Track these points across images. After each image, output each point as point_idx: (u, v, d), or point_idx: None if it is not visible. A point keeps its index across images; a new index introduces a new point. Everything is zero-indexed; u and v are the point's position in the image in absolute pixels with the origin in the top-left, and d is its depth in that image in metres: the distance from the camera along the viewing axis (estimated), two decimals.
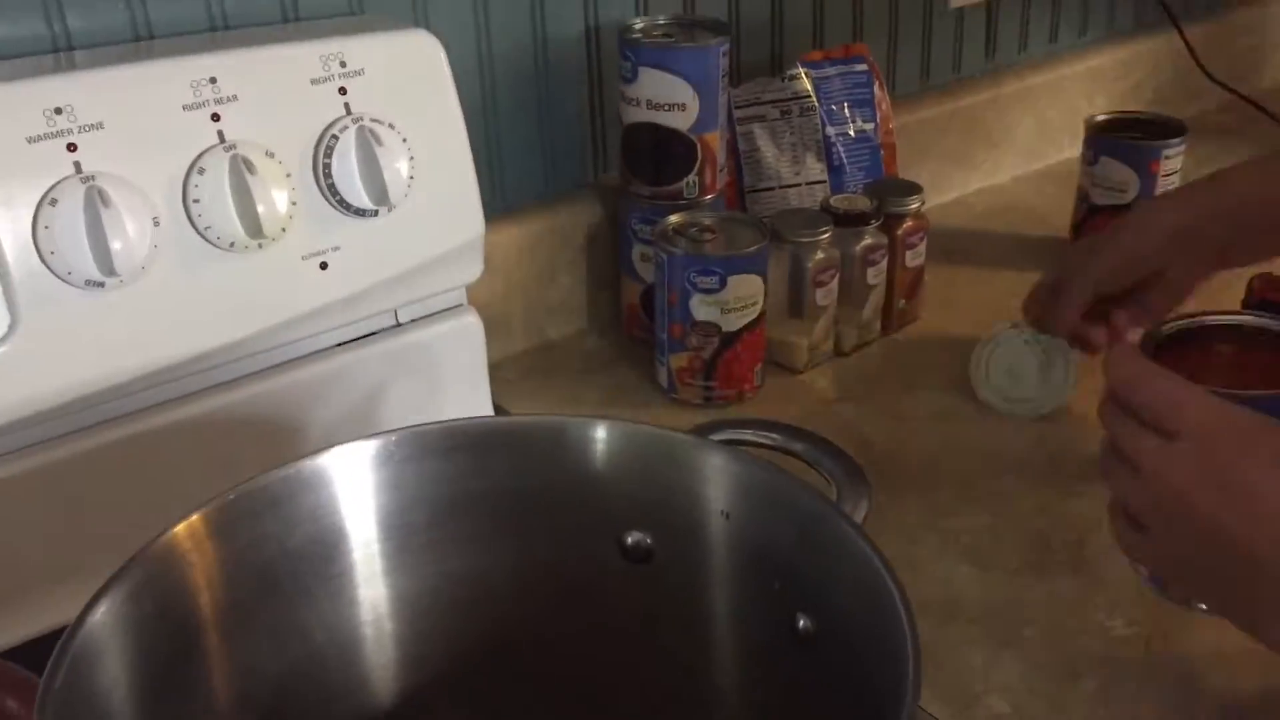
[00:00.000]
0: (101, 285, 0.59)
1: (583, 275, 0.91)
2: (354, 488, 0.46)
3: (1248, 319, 0.60)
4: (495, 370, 0.85)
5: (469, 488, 0.47)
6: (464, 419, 0.48)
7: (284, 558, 0.44)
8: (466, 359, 0.78)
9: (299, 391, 0.70)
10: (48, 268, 0.58)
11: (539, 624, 0.48)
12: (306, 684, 0.46)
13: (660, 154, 0.84)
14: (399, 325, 0.75)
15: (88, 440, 0.63)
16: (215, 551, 0.42)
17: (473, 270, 0.75)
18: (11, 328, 0.58)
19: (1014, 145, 1.19)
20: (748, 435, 0.48)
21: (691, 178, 0.84)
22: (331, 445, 0.45)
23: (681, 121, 0.82)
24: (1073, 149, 1.08)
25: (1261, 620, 0.46)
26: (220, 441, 0.67)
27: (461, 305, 0.77)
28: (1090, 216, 1.01)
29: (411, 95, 0.69)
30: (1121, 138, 0.98)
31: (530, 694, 0.49)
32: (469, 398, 0.78)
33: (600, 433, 0.47)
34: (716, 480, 0.45)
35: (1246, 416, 0.46)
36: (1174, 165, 0.98)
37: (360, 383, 0.73)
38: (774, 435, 0.48)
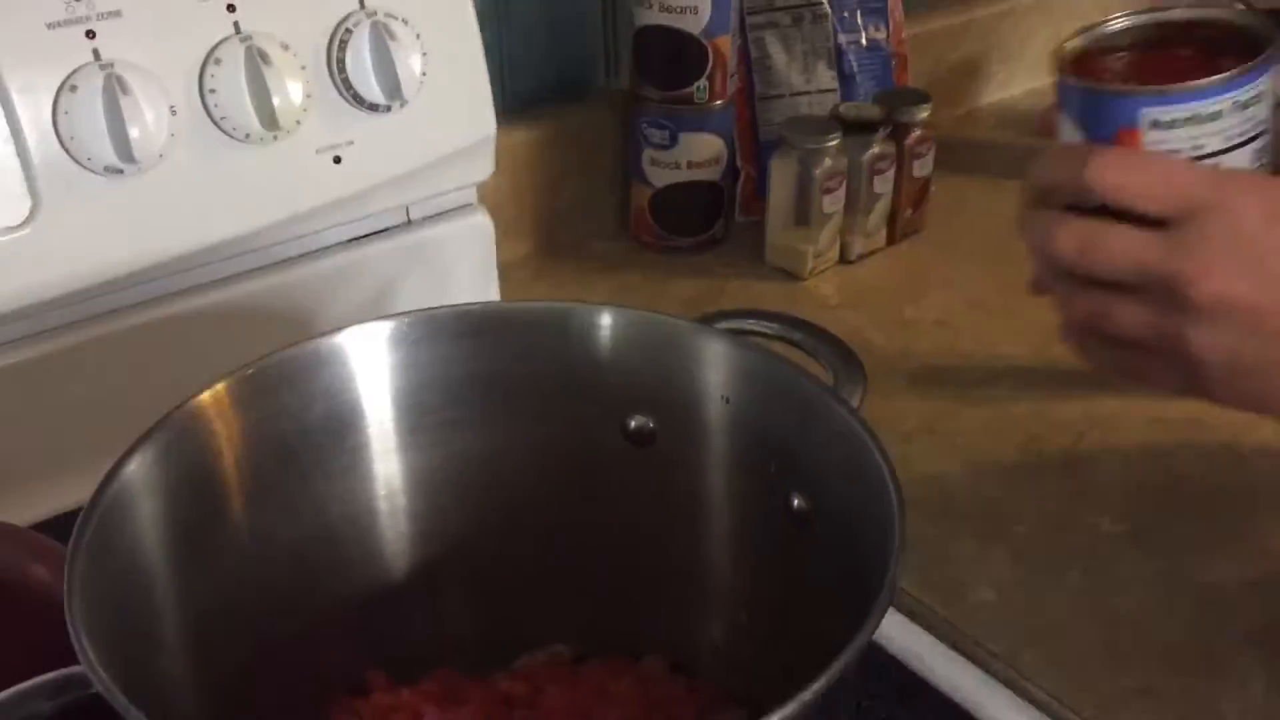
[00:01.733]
0: (120, 172, 0.60)
1: (592, 179, 0.92)
2: (369, 366, 0.47)
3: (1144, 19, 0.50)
4: (504, 271, 0.86)
5: (479, 370, 0.49)
6: (476, 303, 0.50)
7: (301, 432, 0.46)
8: (476, 257, 0.79)
9: (311, 285, 0.72)
10: (67, 153, 0.59)
11: (545, 504, 0.50)
12: (321, 554, 0.48)
13: (671, 58, 0.84)
14: (410, 222, 0.76)
15: (107, 324, 0.64)
16: (237, 421, 0.44)
17: (484, 168, 0.76)
18: (33, 211, 0.59)
19: (1028, 58, 1.18)
20: (749, 324, 0.49)
21: (702, 82, 0.85)
22: (351, 324, 0.47)
23: (693, 25, 0.83)
24: None
25: None
26: (233, 331, 0.69)
27: (472, 204, 0.78)
28: None
29: None
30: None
31: (535, 571, 0.52)
32: (478, 296, 0.80)
33: (605, 319, 0.48)
34: (717, 366, 0.47)
35: (1252, 177, 0.40)
36: None
37: (371, 278, 0.74)
38: (773, 325, 0.49)
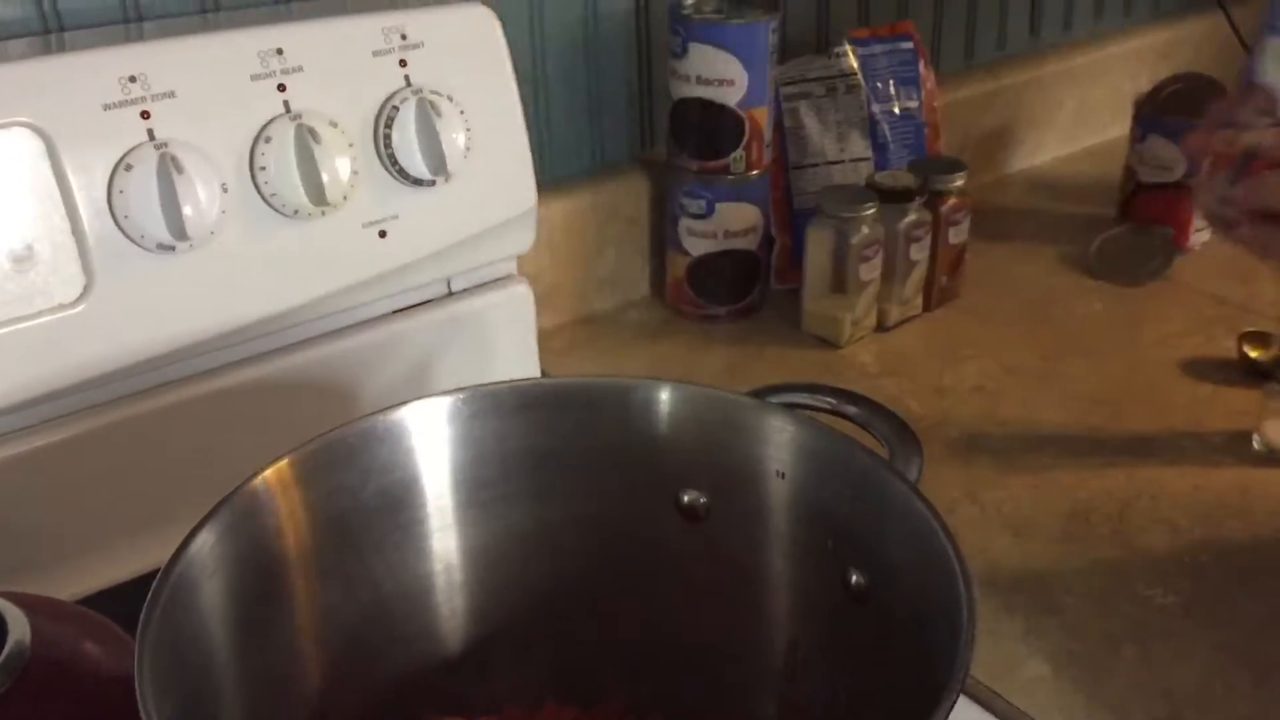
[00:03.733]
0: (172, 249, 0.61)
1: (630, 249, 0.92)
2: (428, 442, 0.47)
3: None
4: (543, 340, 0.86)
5: (536, 445, 0.49)
6: (534, 379, 0.50)
7: (359, 508, 0.46)
8: (517, 328, 0.79)
9: (355, 356, 0.72)
10: (121, 231, 0.60)
11: (601, 579, 0.50)
12: (376, 631, 0.48)
13: (708, 128, 0.85)
14: (451, 293, 0.76)
15: (158, 399, 0.65)
16: (298, 498, 0.44)
17: (525, 240, 0.77)
18: (87, 288, 0.60)
19: (1057, 124, 1.19)
20: (803, 398, 0.49)
21: (739, 152, 0.86)
22: (408, 400, 0.47)
23: (730, 97, 0.84)
24: (1116, 128, 1.08)
25: None
26: (281, 402, 0.69)
27: (512, 275, 0.79)
28: (1137, 194, 1.02)
29: (469, 68, 0.71)
30: (1170, 117, 0.99)
31: (590, 647, 0.51)
32: (518, 366, 0.80)
33: (664, 394, 0.48)
34: (774, 441, 0.47)
35: None
36: None
37: (413, 349, 0.75)
38: (828, 399, 0.49)
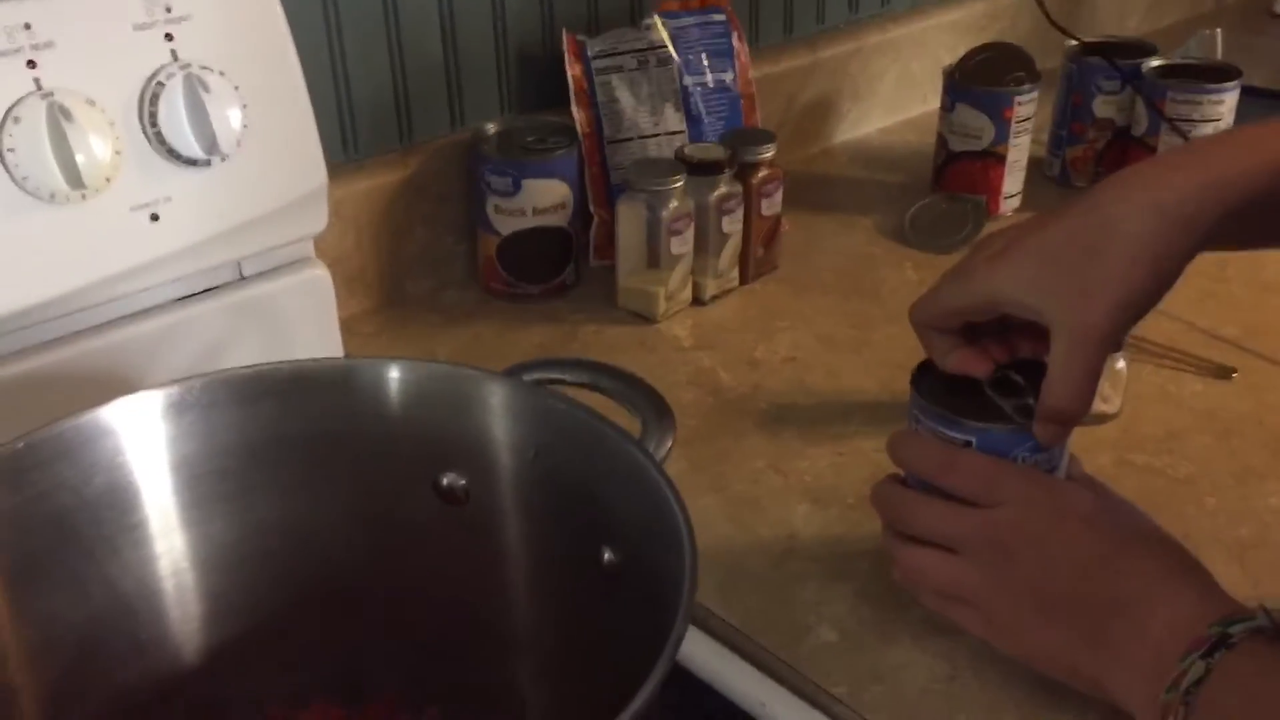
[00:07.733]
0: None
1: (442, 228, 0.90)
2: (148, 436, 0.45)
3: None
4: (351, 324, 0.84)
5: (270, 434, 0.46)
6: (258, 365, 0.47)
7: (81, 507, 0.43)
8: (314, 313, 0.76)
9: (136, 346, 0.69)
10: None
11: (354, 569, 0.48)
12: (114, 634, 0.45)
13: None
14: (243, 279, 0.73)
15: None
16: (3, 501, 0.41)
17: (316, 222, 0.74)
18: None
19: (878, 97, 1.20)
20: (558, 374, 0.48)
21: None
22: (124, 394, 0.44)
23: None
24: (936, 100, 1.09)
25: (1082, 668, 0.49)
26: (51, 398, 0.65)
27: (309, 258, 0.76)
28: (949, 163, 1.03)
29: (243, 41, 0.68)
30: (976, 86, 1.00)
31: (348, 640, 0.49)
32: (318, 352, 0.77)
33: (394, 372, 0.46)
34: (522, 419, 0.46)
35: (1058, 484, 0.51)
36: (1027, 111, 1.00)
37: (203, 337, 0.72)
38: (582, 374, 0.48)
